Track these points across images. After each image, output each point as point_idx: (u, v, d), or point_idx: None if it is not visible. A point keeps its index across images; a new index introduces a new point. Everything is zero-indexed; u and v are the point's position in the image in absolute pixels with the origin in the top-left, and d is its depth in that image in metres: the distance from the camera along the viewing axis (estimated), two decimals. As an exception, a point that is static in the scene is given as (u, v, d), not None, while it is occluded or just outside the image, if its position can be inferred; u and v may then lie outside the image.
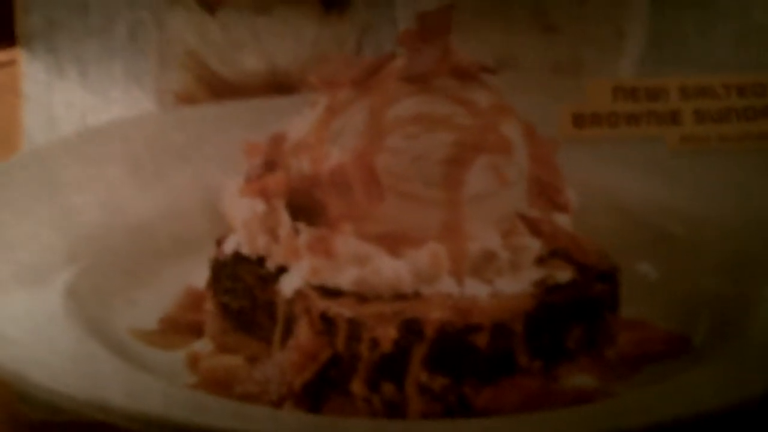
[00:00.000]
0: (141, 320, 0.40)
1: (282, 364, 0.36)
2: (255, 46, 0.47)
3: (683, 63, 0.46)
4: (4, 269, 0.39)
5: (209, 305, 0.40)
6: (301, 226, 0.38)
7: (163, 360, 0.38)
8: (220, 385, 0.37)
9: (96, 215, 0.42)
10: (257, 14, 0.47)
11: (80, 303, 0.39)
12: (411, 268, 0.37)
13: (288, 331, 0.37)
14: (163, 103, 0.48)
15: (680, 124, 0.41)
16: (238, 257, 0.39)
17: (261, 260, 0.39)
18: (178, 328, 0.40)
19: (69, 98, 0.45)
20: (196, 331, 0.40)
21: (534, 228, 0.39)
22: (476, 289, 0.37)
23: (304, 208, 0.39)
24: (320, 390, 0.36)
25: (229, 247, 0.39)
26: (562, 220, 0.40)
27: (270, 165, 0.40)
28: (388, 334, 0.35)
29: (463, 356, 0.36)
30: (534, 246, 0.38)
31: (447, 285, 0.37)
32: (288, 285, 0.37)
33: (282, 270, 0.38)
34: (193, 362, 0.38)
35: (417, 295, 0.37)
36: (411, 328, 0.36)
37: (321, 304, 0.36)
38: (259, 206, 0.39)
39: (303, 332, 0.36)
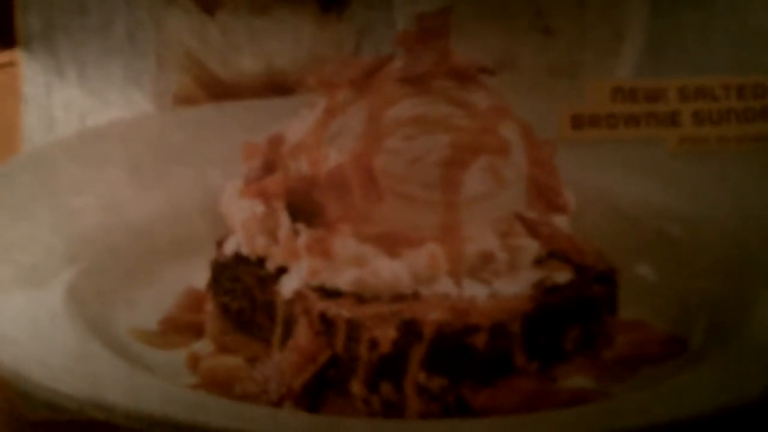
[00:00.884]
0: (141, 320, 0.40)
1: (281, 365, 0.37)
2: (253, 47, 0.48)
3: (682, 64, 0.47)
4: (5, 270, 0.40)
5: (209, 306, 0.41)
6: (300, 227, 0.39)
7: (164, 360, 0.39)
8: (220, 385, 0.38)
9: (95, 216, 0.43)
10: (255, 16, 0.48)
11: (80, 303, 0.40)
12: (409, 269, 0.38)
13: (287, 332, 0.38)
14: (162, 105, 0.49)
15: (679, 126, 0.42)
16: (238, 258, 0.40)
17: (261, 261, 0.40)
18: (178, 328, 0.41)
19: (68, 99, 0.46)
20: (196, 331, 0.41)
21: (532, 229, 0.40)
22: (474, 290, 0.38)
23: (303, 209, 0.39)
24: (319, 390, 0.37)
25: (229, 249, 0.40)
26: (560, 221, 0.40)
27: (269, 166, 0.41)
28: (387, 334, 0.36)
29: (461, 357, 0.37)
30: (532, 247, 0.39)
31: (445, 286, 0.38)
32: (287, 286, 0.38)
33: (281, 271, 0.39)
34: (194, 362, 0.39)
35: (415, 296, 0.38)
36: (409, 329, 0.36)
37: (320, 304, 0.37)
38: (258, 207, 0.40)
39: (302, 333, 0.37)
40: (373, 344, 0.36)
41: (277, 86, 0.49)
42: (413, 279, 0.38)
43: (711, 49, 0.47)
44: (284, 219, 0.39)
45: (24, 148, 0.46)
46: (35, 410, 0.36)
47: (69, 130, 0.46)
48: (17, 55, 0.46)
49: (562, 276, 0.39)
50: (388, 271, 0.38)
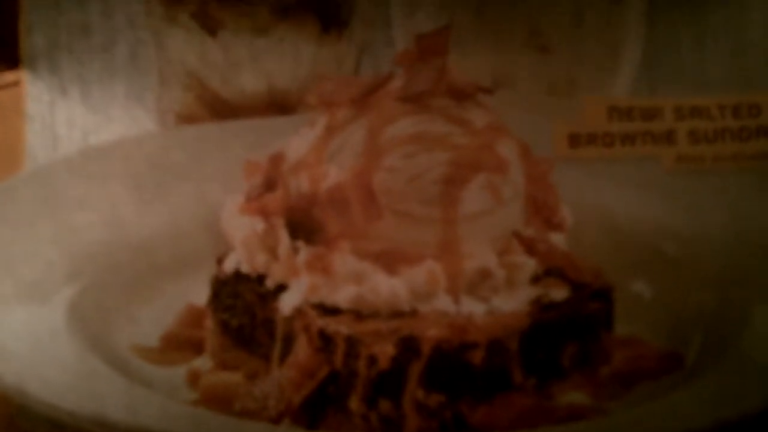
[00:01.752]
0: (142, 337, 0.41)
1: (281, 381, 0.38)
2: (254, 66, 0.50)
3: (678, 82, 0.48)
4: (7, 285, 0.41)
5: (209, 322, 0.42)
6: (300, 244, 0.40)
7: (164, 376, 0.40)
8: (219, 401, 0.39)
9: (98, 233, 0.44)
10: (256, 35, 0.49)
11: (82, 319, 0.41)
12: (408, 285, 0.39)
13: (287, 349, 0.39)
14: (164, 123, 0.50)
15: (675, 144, 0.43)
16: (238, 275, 0.41)
17: (261, 278, 0.41)
18: (178, 344, 0.42)
19: (71, 118, 0.47)
20: (196, 348, 0.42)
21: (529, 247, 0.41)
22: (472, 307, 0.39)
23: (303, 226, 0.40)
24: (318, 407, 0.38)
25: (229, 266, 0.41)
26: (557, 238, 0.42)
27: (269, 184, 0.42)
28: (386, 351, 0.37)
29: (459, 374, 0.38)
30: (529, 264, 0.40)
31: (443, 303, 0.39)
32: (287, 303, 0.39)
33: (281, 288, 0.40)
34: (194, 379, 0.40)
35: (414, 313, 0.38)
36: (408, 346, 0.37)
37: (319, 321, 0.38)
38: (259, 225, 0.41)
39: (302, 349, 0.38)
40: (372, 361, 0.37)
41: (278, 105, 0.51)
42: (412, 296, 0.39)
43: (706, 66, 0.48)
44: (284, 236, 0.40)
45: (28, 165, 0.47)
46: (36, 426, 0.37)
47: (72, 148, 0.48)
48: (22, 74, 0.48)
49: (559, 293, 0.40)
50: (387, 288, 0.39)
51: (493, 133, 0.41)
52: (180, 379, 0.40)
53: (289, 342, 0.39)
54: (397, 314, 0.38)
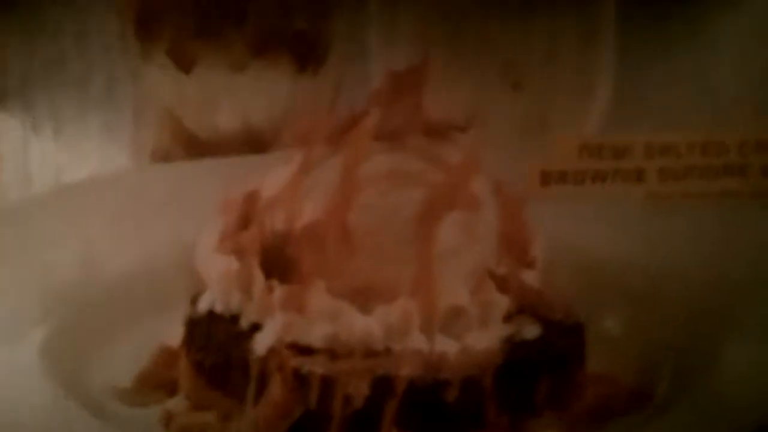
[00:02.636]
0: (116, 377, 0.42)
1: (256, 421, 0.39)
2: (230, 103, 0.51)
3: (647, 120, 0.50)
4: (-22, 326, 0.42)
5: (183, 363, 0.42)
6: (275, 282, 0.41)
7: (138, 417, 0.40)
8: (194, 442, 0.40)
9: (71, 271, 0.45)
10: (232, 72, 0.51)
11: (55, 360, 0.41)
12: (382, 324, 0.40)
13: (261, 388, 0.40)
14: (139, 160, 0.51)
15: (645, 182, 0.45)
16: (212, 315, 0.42)
17: (234, 318, 0.41)
18: (152, 385, 0.42)
19: (44, 155, 0.48)
20: (170, 388, 0.42)
21: (502, 285, 0.42)
22: (446, 345, 0.40)
23: (278, 264, 0.41)
24: (293, 446, 0.39)
25: (203, 305, 0.42)
26: (530, 276, 0.43)
27: (244, 222, 0.43)
28: (360, 390, 0.38)
29: (433, 411, 0.39)
30: (502, 302, 0.41)
31: (417, 341, 0.40)
32: (261, 342, 0.40)
33: (255, 328, 0.41)
34: (168, 419, 0.41)
35: (388, 352, 0.39)
36: (382, 385, 0.38)
37: (294, 361, 0.39)
38: (233, 263, 0.42)
39: (276, 389, 0.39)
40: (347, 400, 0.38)
41: (253, 142, 0.52)
42: (386, 334, 0.40)
43: (676, 104, 0.51)
44: (258, 275, 0.41)
45: (0, 203, 0.47)
46: (8, 469, 0.37)
47: (45, 185, 0.48)
48: (-6, 112, 0.48)
49: (532, 330, 0.41)
50: (361, 326, 0.40)
51: (466, 170, 0.42)
52: (154, 419, 0.40)
53: (263, 382, 0.39)
54: (371, 353, 0.39)
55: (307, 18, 0.50)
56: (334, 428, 0.38)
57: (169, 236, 0.46)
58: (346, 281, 0.40)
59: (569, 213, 0.45)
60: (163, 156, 0.52)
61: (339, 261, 0.40)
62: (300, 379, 0.39)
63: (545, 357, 0.41)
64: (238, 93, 0.51)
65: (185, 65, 0.50)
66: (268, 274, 0.41)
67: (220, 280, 0.42)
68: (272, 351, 0.39)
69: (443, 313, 0.40)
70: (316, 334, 0.40)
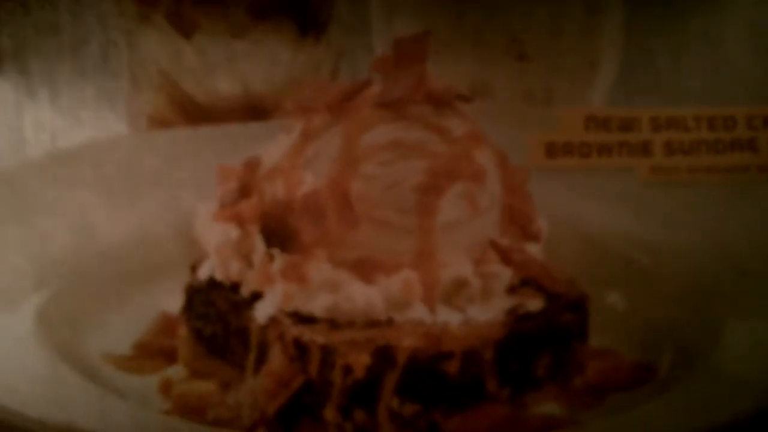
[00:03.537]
0: (113, 345, 0.43)
1: (255, 390, 0.40)
2: (230, 69, 0.51)
3: (654, 93, 0.50)
4: (-27, 294, 0.42)
5: (183, 331, 0.43)
6: (275, 251, 0.41)
7: (136, 385, 0.41)
8: (192, 410, 0.40)
9: (66, 239, 0.45)
10: (232, 38, 0.51)
11: (51, 327, 0.42)
12: (383, 294, 0.41)
13: (261, 358, 0.40)
14: (136, 126, 0.51)
15: (651, 156, 0.45)
16: (212, 283, 0.42)
17: (235, 286, 0.42)
18: (150, 353, 0.43)
19: (39, 120, 0.48)
20: (169, 356, 0.43)
21: (505, 256, 0.43)
22: (448, 317, 0.41)
23: (278, 233, 0.42)
24: (293, 416, 0.40)
25: (203, 273, 0.43)
26: (534, 249, 0.44)
27: (244, 190, 0.43)
28: (361, 360, 0.39)
29: (433, 383, 0.40)
30: (505, 274, 0.42)
31: (419, 312, 0.41)
32: (262, 312, 0.41)
33: (256, 296, 0.42)
34: (166, 388, 0.41)
35: (389, 322, 0.40)
36: (383, 355, 0.39)
37: (294, 330, 0.40)
38: (233, 232, 0.42)
39: (276, 358, 0.40)
40: (347, 370, 0.39)
41: (253, 109, 0.52)
42: (387, 305, 0.40)
43: (683, 77, 0.51)
44: (259, 243, 0.41)
45: (-6, 169, 0.48)
46: (4, 436, 0.38)
47: (40, 151, 0.48)
48: (-11, 75, 0.48)
49: (535, 304, 0.42)
50: (363, 297, 0.40)
51: (470, 141, 0.42)
52: (152, 388, 0.41)
53: (263, 351, 0.40)
54: (372, 323, 0.40)
55: (309, -17, 0.51)
56: (334, 398, 0.39)
57: (166, 203, 0.47)
58: (348, 251, 0.41)
59: (574, 185, 0.46)
60: (160, 122, 0.52)
61: (340, 231, 0.41)
62: (300, 349, 0.39)
63: (547, 330, 0.42)
64: (238, 59, 0.51)
65: (185, 30, 0.51)
66: (269, 243, 0.42)
67: (219, 249, 0.42)
68: (273, 320, 0.40)
69: (445, 284, 0.41)
70: (316, 304, 0.40)
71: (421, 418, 0.39)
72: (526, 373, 0.41)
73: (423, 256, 0.41)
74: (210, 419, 0.39)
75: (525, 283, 0.42)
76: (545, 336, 0.41)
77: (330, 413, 0.39)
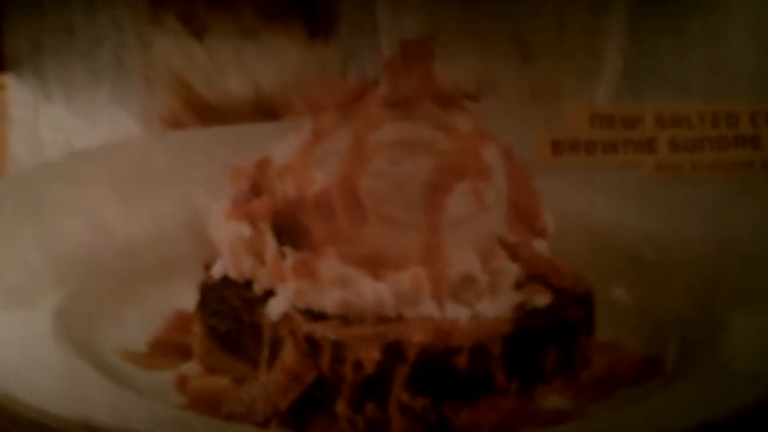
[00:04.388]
0: (129, 342, 0.43)
1: (268, 385, 0.40)
2: (241, 70, 0.51)
3: (659, 90, 0.50)
4: (-7, 292, 0.43)
5: (197, 327, 0.43)
6: (287, 249, 0.41)
7: (152, 381, 0.41)
8: (207, 405, 0.40)
9: (82, 238, 0.45)
10: (243, 39, 0.51)
11: (68, 325, 0.42)
12: (393, 291, 0.41)
13: (274, 353, 0.40)
14: (150, 127, 0.51)
15: (655, 152, 0.45)
16: (225, 281, 0.42)
17: (248, 284, 0.42)
18: (166, 349, 0.43)
19: (55, 122, 0.48)
20: (184, 352, 0.43)
21: (512, 252, 0.42)
22: (456, 312, 0.41)
23: (290, 231, 0.42)
24: (305, 410, 0.40)
25: (217, 271, 0.43)
26: (540, 244, 0.43)
27: (256, 189, 0.43)
28: (372, 356, 0.39)
29: (443, 377, 0.40)
30: (512, 270, 0.42)
31: (428, 308, 0.41)
32: (274, 308, 0.41)
33: (268, 293, 0.42)
34: (181, 383, 0.41)
35: (399, 318, 0.40)
36: (393, 351, 0.39)
37: (306, 326, 0.40)
38: (245, 230, 0.42)
39: (289, 354, 0.40)
40: (358, 365, 0.39)
41: (264, 110, 0.52)
42: (397, 301, 0.40)
43: (687, 74, 0.51)
44: (271, 241, 0.41)
45: (12, 170, 0.48)
46: (23, 430, 0.38)
47: (56, 153, 0.49)
48: (5, 78, 0.48)
49: (542, 299, 0.42)
50: (373, 293, 0.40)
51: (477, 139, 0.42)
52: (168, 383, 0.41)
53: (276, 347, 0.40)
54: (382, 319, 0.40)
55: (318, -16, 0.50)
56: (345, 393, 0.39)
57: (180, 202, 0.47)
58: (357, 248, 0.41)
59: (580, 182, 0.45)
60: (173, 123, 0.52)
61: (350, 228, 0.41)
62: (312, 345, 0.39)
63: (555, 325, 0.41)
64: (248, 60, 0.51)
65: (196, 31, 0.51)
66: (280, 240, 0.42)
67: (232, 247, 0.42)
68: (285, 316, 0.40)
69: (454, 280, 0.41)
70: (328, 301, 0.40)
71: (431, 411, 0.39)
72: (534, 367, 0.41)
73: (431, 253, 0.41)
74: (224, 414, 0.39)
75: (532, 278, 0.42)
76: (552, 330, 0.41)
77: (341, 407, 0.39)
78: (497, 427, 0.39)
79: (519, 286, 0.42)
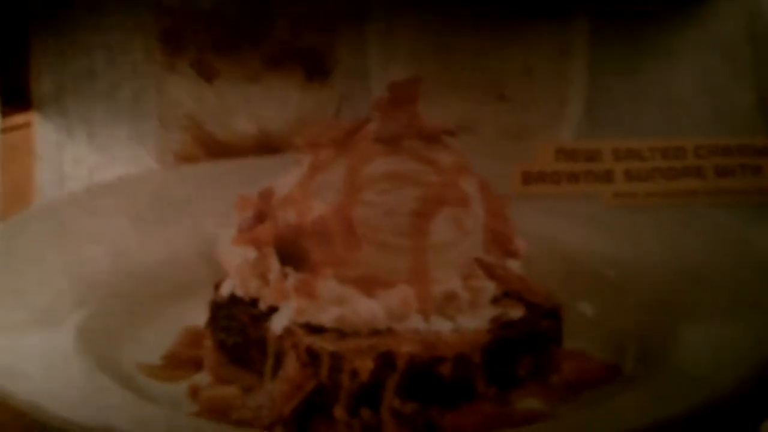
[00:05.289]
0: (146, 356, 0.44)
1: (273, 393, 0.41)
2: (246, 111, 0.53)
3: (615, 128, 0.53)
4: (21, 313, 0.43)
5: (208, 342, 0.45)
6: (289, 270, 0.43)
7: (167, 391, 0.42)
8: (218, 412, 0.42)
9: (103, 263, 0.47)
10: (248, 83, 0.52)
11: (90, 341, 0.43)
12: (384, 307, 0.42)
13: (278, 364, 0.42)
14: (164, 162, 0.53)
15: (613, 182, 0.47)
16: (233, 299, 0.44)
17: (254, 301, 0.44)
18: (179, 362, 0.44)
19: (78, 157, 0.49)
20: (196, 365, 0.44)
21: (490, 272, 0.44)
22: (440, 326, 0.43)
23: (291, 254, 0.44)
24: (306, 415, 0.41)
25: (225, 290, 0.44)
26: (514, 265, 0.46)
27: (260, 217, 0.45)
28: (366, 365, 0.40)
29: (430, 384, 0.41)
30: (490, 288, 0.44)
31: (415, 322, 0.43)
32: (277, 323, 0.42)
33: (272, 310, 0.43)
34: (194, 393, 0.43)
35: (390, 331, 0.42)
36: (385, 360, 0.41)
37: (307, 339, 0.41)
38: (251, 254, 0.44)
39: (291, 365, 0.41)
40: (354, 374, 0.40)
41: (267, 146, 0.54)
42: (388, 316, 0.42)
43: (640, 115, 0.53)
44: (274, 263, 0.43)
45: (37, 200, 0.49)
46: (49, 439, 0.39)
47: (79, 185, 0.50)
48: (32, 116, 0.50)
49: (516, 312, 0.44)
50: (366, 309, 0.42)
51: (457, 171, 0.44)
52: (182, 393, 0.42)
53: (279, 358, 0.42)
54: (375, 332, 0.42)
55: (315, 36, 0.52)
56: (342, 399, 0.41)
57: (192, 230, 0.48)
58: (352, 270, 0.42)
59: (548, 209, 0.47)
60: (185, 158, 0.54)
61: (345, 252, 0.42)
62: (312, 356, 0.41)
63: (528, 335, 0.43)
64: (253, 101, 0.53)
65: (207, 76, 0.52)
66: (283, 263, 0.43)
67: (238, 269, 0.44)
68: (287, 331, 0.42)
69: (438, 297, 0.43)
70: (326, 316, 0.42)
71: (419, 415, 0.41)
72: (510, 373, 0.43)
73: (417, 273, 0.43)
74: (234, 420, 0.41)
75: (507, 294, 0.44)
76: (526, 340, 0.43)
77: (339, 412, 0.41)
78: (479, 429, 0.41)
79: (496, 301, 0.44)
